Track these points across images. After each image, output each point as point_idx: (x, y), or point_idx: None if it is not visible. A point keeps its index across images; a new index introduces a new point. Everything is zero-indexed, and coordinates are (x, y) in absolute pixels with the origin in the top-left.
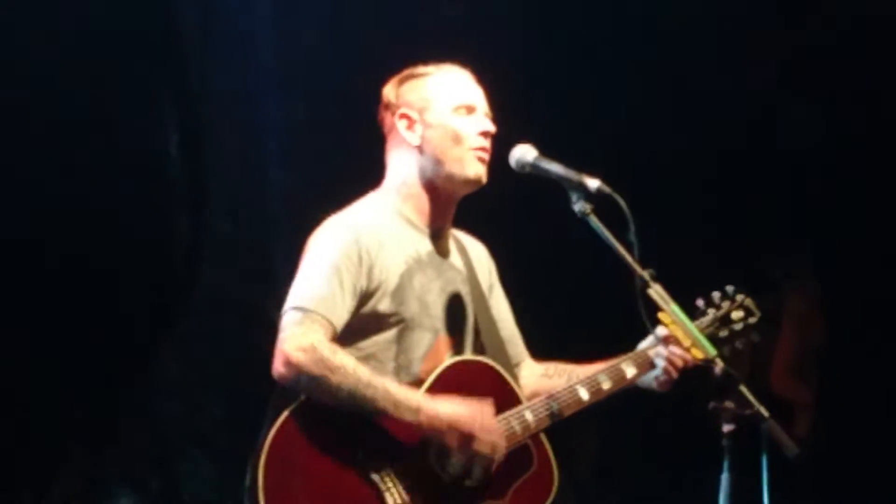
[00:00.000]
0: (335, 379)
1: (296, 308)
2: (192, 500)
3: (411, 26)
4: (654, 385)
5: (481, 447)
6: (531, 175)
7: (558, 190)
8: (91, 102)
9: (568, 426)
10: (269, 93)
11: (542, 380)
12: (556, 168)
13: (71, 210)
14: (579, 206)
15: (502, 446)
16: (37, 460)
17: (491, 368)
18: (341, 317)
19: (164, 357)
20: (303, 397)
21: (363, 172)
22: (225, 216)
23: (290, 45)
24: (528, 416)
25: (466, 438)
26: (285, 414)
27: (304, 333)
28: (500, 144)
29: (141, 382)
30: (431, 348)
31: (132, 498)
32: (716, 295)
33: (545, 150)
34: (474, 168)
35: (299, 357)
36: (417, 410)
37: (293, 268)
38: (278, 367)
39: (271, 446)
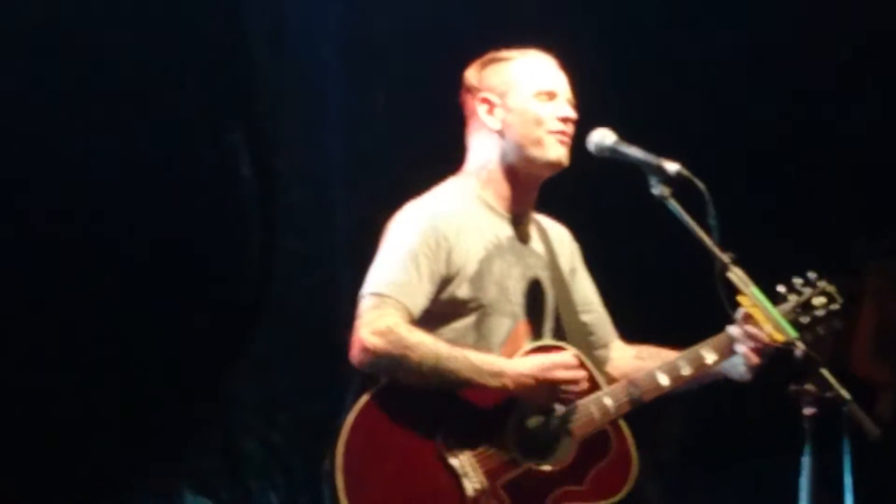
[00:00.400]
0: (416, 355)
1: (372, 293)
2: None
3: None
4: (736, 375)
5: (573, 389)
6: (610, 159)
7: (638, 174)
8: (163, 125)
9: (651, 409)
10: (334, 113)
11: (635, 361)
12: (634, 152)
13: (142, 232)
14: (658, 190)
15: (585, 383)
16: (114, 479)
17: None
18: (418, 302)
19: (236, 374)
20: (382, 381)
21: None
22: (293, 234)
23: (358, 71)
24: (608, 401)
25: (551, 379)
26: (364, 399)
27: (379, 317)
28: (581, 128)
29: (214, 400)
30: (511, 334)
31: None
32: (797, 281)
33: (624, 134)
34: (555, 150)
35: (376, 341)
36: (501, 374)
37: (356, 285)
38: (356, 354)
39: (350, 431)
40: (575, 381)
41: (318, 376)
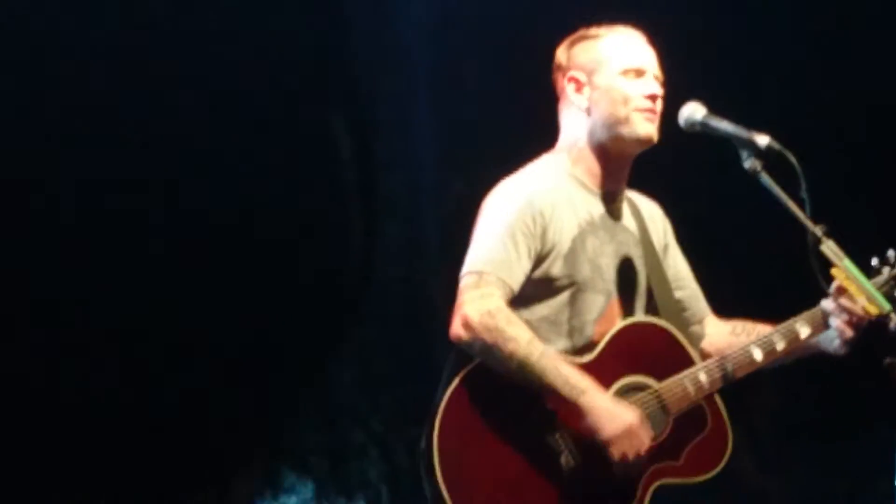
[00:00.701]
0: (507, 349)
1: (473, 272)
2: (368, 498)
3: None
4: (831, 349)
5: (629, 450)
6: (701, 133)
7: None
8: (268, 111)
9: (747, 383)
10: (429, 95)
11: (730, 337)
12: (725, 126)
13: (247, 220)
14: (750, 163)
15: (639, 464)
16: (217, 460)
17: (664, 330)
18: (518, 279)
19: (337, 358)
20: (477, 360)
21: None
22: (393, 219)
23: (449, 55)
24: (702, 377)
25: (619, 436)
26: (460, 376)
27: (482, 297)
28: (671, 103)
29: (315, 383)
30: (604, 311)
31: (308, 490)
32: (891, 254)
33: (715, 108)
34: (644, 127)
35: (476, 321)
36: (583, 392)
37: (452, 269)
38: (456, 330)
39: (446, 409)
40: (635, 448)
41: (417, 359)
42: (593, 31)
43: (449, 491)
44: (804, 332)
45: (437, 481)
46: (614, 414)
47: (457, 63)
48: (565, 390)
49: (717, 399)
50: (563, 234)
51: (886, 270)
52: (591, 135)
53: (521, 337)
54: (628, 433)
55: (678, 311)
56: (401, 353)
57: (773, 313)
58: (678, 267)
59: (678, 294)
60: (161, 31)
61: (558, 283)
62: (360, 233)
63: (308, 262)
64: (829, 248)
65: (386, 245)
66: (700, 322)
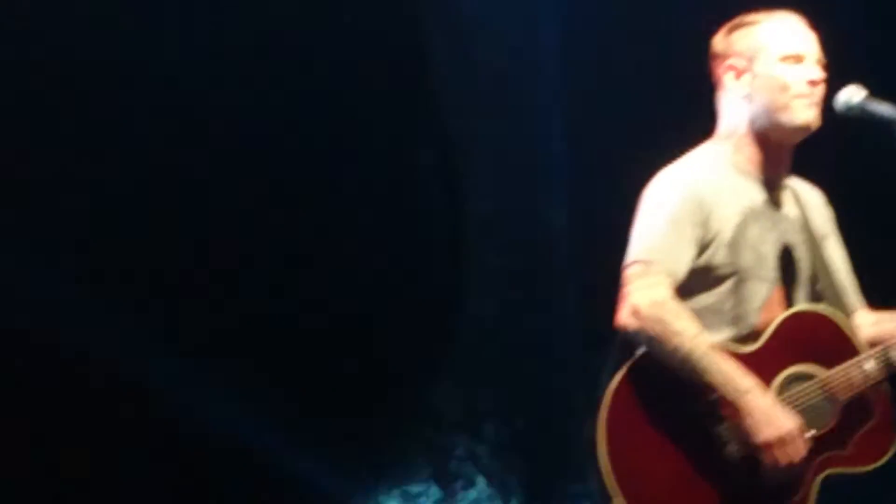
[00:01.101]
0: (672, 343)
1: (640, 261)
2: None
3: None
4: None
5: (783, 457)
6: (859, 118)
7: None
8: (346, 120)
9: None
10: (547, 120)
11: (874, 328)
12: (884, 109)
13: (343, 251)
14: None
15: (798, 468)
16: (326, 496)
17: (829, 318)
18: (684, 267)
19: (440, 391)
20: (639, 352)
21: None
22: (494, 248)
23: (579, 65)
24: (867, 365)
25: (775, 442)
26: (626, 367)
27: (651, 286)
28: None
29: (419, 416)
30: (768, 299)
31: None
32: None
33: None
34: (803, 114)
35: (647, 311)
36: (746, 392)
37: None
38: (625, 318)
39: (612, 400)
40: (788, 456)
41: (522, 391)
42: (751, 17)
43: (618, 478)
44: None
45: (603, 469)
46: (772, 419)
47: (587, 72)
48: (726, 390)
49: (885, 387)
50: (725, 223)
51: None
52: (752, 122)
53: (686, 331)
54: (782, 441)
55: (836, 301)
56: (504, 384)
57: None
58: (836, 257)
59: (836, 284)
60: (253, 52)
61: (721, 272)
62: (457, 263)
63: (406, 291)
64: None
65: (487, 275)
66: (852, 314)
